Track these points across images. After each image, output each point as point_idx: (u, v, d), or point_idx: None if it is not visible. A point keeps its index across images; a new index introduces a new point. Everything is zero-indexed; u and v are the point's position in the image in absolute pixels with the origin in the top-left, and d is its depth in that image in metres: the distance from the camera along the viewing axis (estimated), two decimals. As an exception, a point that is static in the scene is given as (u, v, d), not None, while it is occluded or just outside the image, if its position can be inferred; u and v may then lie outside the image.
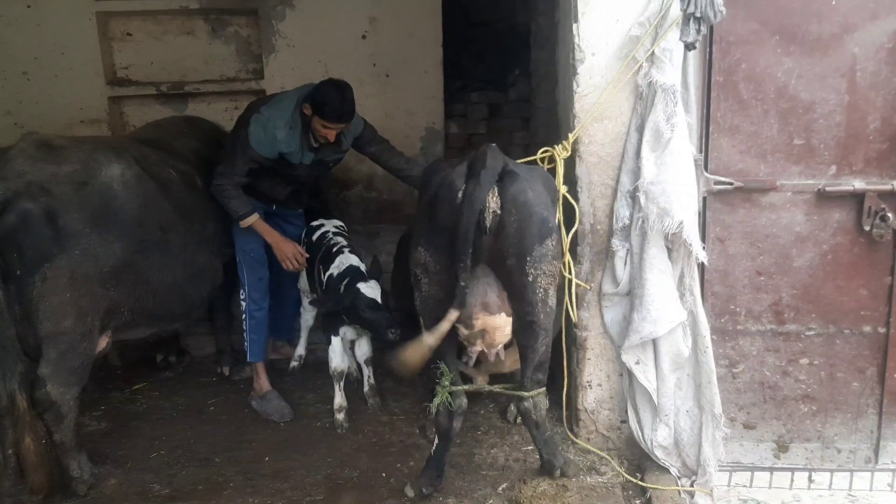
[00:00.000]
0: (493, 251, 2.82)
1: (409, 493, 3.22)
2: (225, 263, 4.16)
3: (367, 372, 4.02)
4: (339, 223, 4.41)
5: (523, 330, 2.95)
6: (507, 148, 5.68)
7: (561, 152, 3.21)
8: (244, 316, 4.17)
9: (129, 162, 3.52)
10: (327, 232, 4.22)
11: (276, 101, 3.81)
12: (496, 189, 2.75)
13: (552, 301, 2.97)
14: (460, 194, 2.73)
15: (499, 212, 2.75)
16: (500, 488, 3.29)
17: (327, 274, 3.88)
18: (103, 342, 3.43)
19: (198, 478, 3.50)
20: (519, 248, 2.80)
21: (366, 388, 3.98)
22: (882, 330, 3.24)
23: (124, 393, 4.44)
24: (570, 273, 3.24)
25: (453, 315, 2.77)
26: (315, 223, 4.36)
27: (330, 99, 3.64)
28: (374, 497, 3.29)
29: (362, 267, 3.90)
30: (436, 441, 3.19)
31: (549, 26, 4.39)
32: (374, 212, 5.80)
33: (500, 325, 2.93)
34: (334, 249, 4.01)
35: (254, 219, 3.89)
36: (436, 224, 2.82)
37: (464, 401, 3.11)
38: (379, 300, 3.66)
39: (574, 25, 3.15)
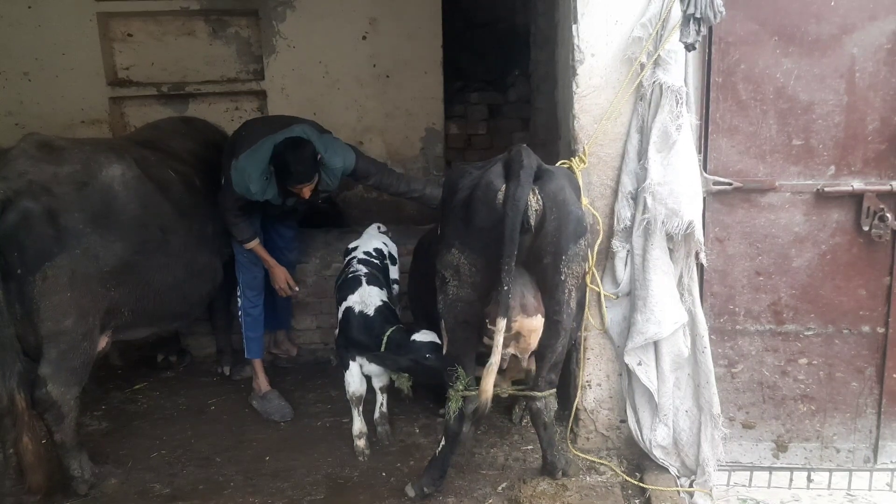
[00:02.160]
0: (531, 251, 2.80)
1: (410, 492, 3.22)
2: (224, 263, 4.17)
3: (381, 399, 3.80)
4: (375, 247, 4.13)
5: (547, 329, 2.93)
6: (507, 149, 5.70)
7: (579, 164, 3.20)
8: (240, 313, 4.25)
9: (129, 163, 3.52)
10: (353, 258, 4.05)
11: (253, 150, 3.70)
12: (535, 188, 2.72)
13: (574, 302, 2.97)
14: (500, 195, 2.69)
15: (540, 210, 2.72)
16: (499, 488, 3.30)
17: (345, 306, 3.72)
18: (103, 342, 3.44)
19: (198, 477, 3.51)
20: (556, 247, 2.79)
21: (376, 415, 3.78)
22: (881, 330, 3.25)
23: (125, 393, 4.44)
24: (598, 285, 3.27)
25: (502, 324, 2.69)
26: (352, 245, 4.20)
27: (284, 164, 3.58)
28: (374, 496, 3.29)
29: (384, 295, 3.74)
30: (442, 442, 3.19)
31: (548, 27, 4.40)
32: (374, 212, 5.81)
33: (536, 328, 2.90)
34: (350, 276, 3.85)
35: (254, 244, 4.01)
36: (472, 225, 2.78)
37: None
38: (438, 340, 3.36)
39: (574, 26, 3.16)
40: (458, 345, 3.01)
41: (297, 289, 4.28)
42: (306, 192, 3.70)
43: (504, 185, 2.70)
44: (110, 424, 4.07)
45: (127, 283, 3.42)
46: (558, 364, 3.10)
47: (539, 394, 3.10)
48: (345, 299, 3.74)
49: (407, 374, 3.55)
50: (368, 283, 3.78)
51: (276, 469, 3.55)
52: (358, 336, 3.61)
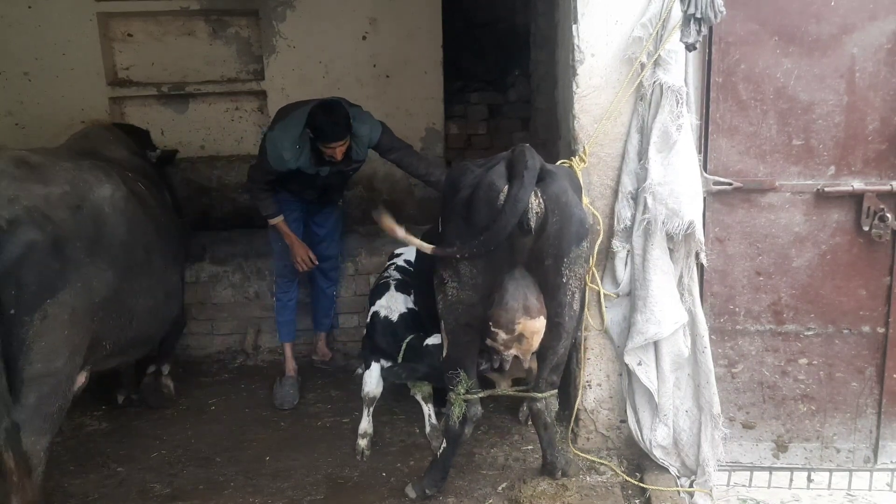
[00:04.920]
0: (532, 252, 2.78)
1: (411, 493, 3.22)
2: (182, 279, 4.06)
3: (427, 411, 3.72)
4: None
5: (549, 331, 2.91)
6: (507, 149, 5.70)
7: (579, 164, 3.20)
8: (273, 299, 4.59)
9: (117, 181, 3.23)
10: (392, 264, 4.11)
11: (288, 119, 3.96)
12: (537, 189, 2.70)
13: (577, 304, 2.97)
14: (502, 196, 2.67)
15: (542, 212, 2.70)
16: (500, 488, 3.30)
17: (372, 310, 3.79)
18: (81, 378, 3.09)
19: (198, 477, 3.51)
20: (557, 250, 2.78)
21: (427, 430, 3.70)
22: (881, 330, 3.25)
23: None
24: (598, 284, 3.28)
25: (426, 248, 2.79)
26: (397, 251, 4.28)
27: (320, 123, 3.79)
28: (374, 496, 3.29)
29: (410, 303, 3.76)
30: (443, 444, 3.19)
31: (548, 27, 4.40)
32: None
33: (539, 329, 2.87)
34: (382, 282, 3.92)
35: (278, 220, 4.19)
36: (472, 225, 2.75)
37: (479, 409, 3.09)
38: None
39: (574, 26, 3.16)
40: (460, 348, 3.00)
41: (316, 262, 4.35)
42: (339, 152, 3.85)
43: (506, 186, 2.69)
44: (110, 424, 4.07)
45: (112, 312, 3.09)
46: (560, 365, 3.10)
47: (540, 395, 3.10)
48: (373, 303, 3.83)
49: (426, 381, 3.58)
50: (397, 289, 3.84)
51: (276, 469, 3.55)
52: (380, 341, 3.68)
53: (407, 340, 3.59)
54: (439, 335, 3.38)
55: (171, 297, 3.72)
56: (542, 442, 3.27)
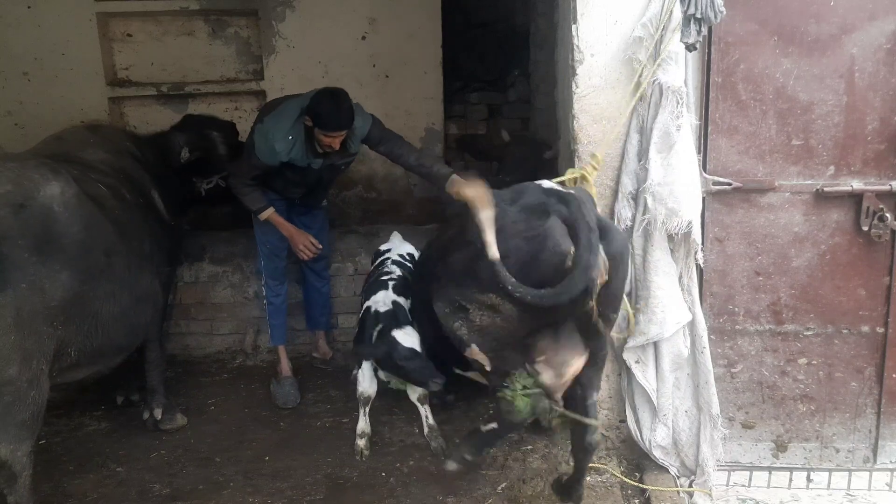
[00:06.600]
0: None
1: (451, 466, 3.09)
2: (163, 284, 3.87)
3: (423, 412, 3.69)
4: (409, 250, 4.14)
5: (594, 364, 2.81)
6: (506, 147, 5.69)
7: (591, 172, 3.15)
8: (264, 302, 4.51)
9: (67, 180, 3.06)
10: (387, 259, 4.04)
11: (280, 110, 3.87)
12: (601, 250, 2.53)
13: None
14: (569, 259, 2.49)
15: (607, 277, 2.58)
16: (499, 487, 3.30)
17: (365, 305, 3.74)
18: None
19: (198, 477, 3.51)
20: (615, 303, 2.73)
21: (426, 430, 3.67)
22: (880, 330, 3.25)
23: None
24: None
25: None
26: (384, 247, 4.21)
27: (325, 110, 3.70)
28: (373, 496, 3.29)
29: (407, 304, 3.69)
30: (493, 425, 2.98)
31: (548, 27, 4.41)
32: (373, 212, 5.82)
33: (580, 367, 2.74)
34: (382, 278, 3.83)
35: (269, 213, 4.08)
36: (530, 282, 2.49)
37: (547, 402, 2.85)
38: (417, 348, 3.36)
39: (573, 27, 3.16)
40: (507, 364, 2.80)
41: (320, 247, 4.28)
42: (337, 142, 3.79)
43: (572, 249, 2.50)
44: (110, 424, 4.07)
45: (74, 318, 2.99)
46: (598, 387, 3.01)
47: (597, 422, 2.95)
48: (368, 300, 3.74)
49: (393, 372, 3.52)
50: (396, 288, 3.74)
51: (275, 469, 3.56)
52: (369, 334, 3.59)
53: (378, 329, 3.53)
54: (410, 333, 3.37)
55: (142, 303, 3.51)
56: (578, 471, 3.03)
